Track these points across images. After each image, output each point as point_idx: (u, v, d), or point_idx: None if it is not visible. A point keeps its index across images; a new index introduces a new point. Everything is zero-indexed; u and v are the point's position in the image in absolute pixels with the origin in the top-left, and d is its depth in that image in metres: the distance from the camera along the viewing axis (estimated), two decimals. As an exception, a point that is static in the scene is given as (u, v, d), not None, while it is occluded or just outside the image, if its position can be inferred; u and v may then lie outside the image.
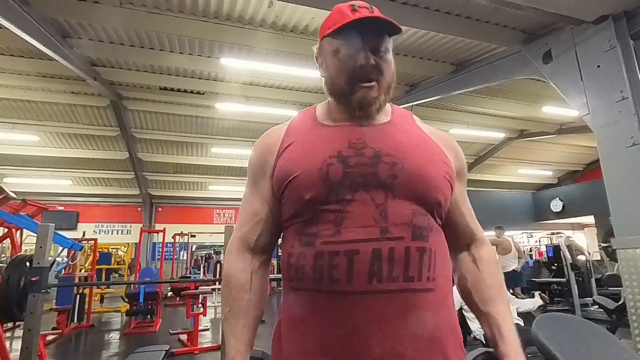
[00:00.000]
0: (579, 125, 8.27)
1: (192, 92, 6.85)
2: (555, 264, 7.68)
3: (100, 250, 8.92)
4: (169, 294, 8.63)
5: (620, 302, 4.41)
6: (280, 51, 5.01)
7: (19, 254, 4.34)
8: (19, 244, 5.51)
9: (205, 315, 6.68)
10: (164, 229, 9.07)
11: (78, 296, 6.58)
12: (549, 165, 12.39)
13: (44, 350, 3.98)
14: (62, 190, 11.28)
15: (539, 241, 12.60)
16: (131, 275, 9.69)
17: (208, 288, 6.34)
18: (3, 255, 9.41)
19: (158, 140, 8.99)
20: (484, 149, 10.66)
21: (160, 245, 9.90)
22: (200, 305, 6.12)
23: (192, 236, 10.90)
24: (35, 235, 2.87)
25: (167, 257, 10.01)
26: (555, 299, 7.22)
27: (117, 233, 12.35)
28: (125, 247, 11.57)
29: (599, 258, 8.65)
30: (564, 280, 6.77)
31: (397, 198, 0.76)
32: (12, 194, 4.89)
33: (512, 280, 6.52)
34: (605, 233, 6.76)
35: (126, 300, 6.78)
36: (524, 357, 0.79)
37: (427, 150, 0.83)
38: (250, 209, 0.89)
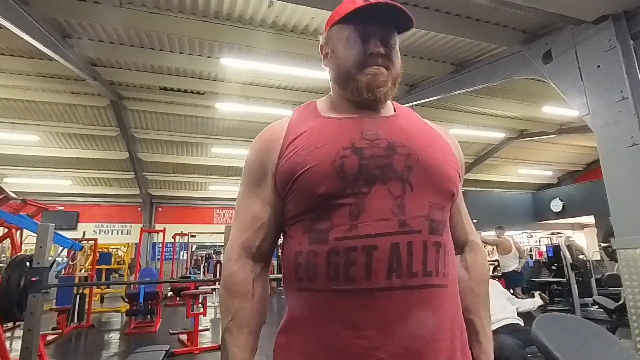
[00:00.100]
0: (579, 125, 8.27)
1: (192, 92, 6.85)
2: (555, 264, 7.68)
3: (100, 250, 8.92)
4: (169, 294, 8.63)
5: (620, 302, 4.41)
6: (280, 51, 5.00)
7: (19, 254, 4.34)
8: (19, 244, 5.51)
9: (205, 315, 6.68)
10: (164, 229, 9.08)
11: (78, 296, 6.58)
12: (549, 165, 12.39)
13: (44, 350, 3.98)
14: (62, 190, 11.28)
15: (539, 241, 12.60)
16: (131, 275, 9.69)
17: (208, 288, 6.34)
18: (3, 255, 9.42)
19: (158, 140, 8.99)
20: (484, 149, 10.65)
21: (160, 245, 9.90)
22: (200, 305, 6.12)
23: (192, 236, 10.90)
24: (35, 235, 2.87)
25: (167, 257, 10.01)
26: (555, 299, 7.22)
27: (117, 233, 12.35)
28: (125, 247, 11.57)
29: (599, 258, 8.66)
30: (564, 280, 6.76)
31: (415, 190, 0.74)
32: (12, 194, 4.89)
33: (513, 280, 6.51)
34: (605, 233, 6.76)
35: (126, 300, 6.78)
36: None
37: (436, 142, 0.82)
38: (249, 213, 0.83)
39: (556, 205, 10.65)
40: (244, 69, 5.74)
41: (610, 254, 6.74)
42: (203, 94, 6.92)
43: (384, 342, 0.68)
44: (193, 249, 12.00)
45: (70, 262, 7.37)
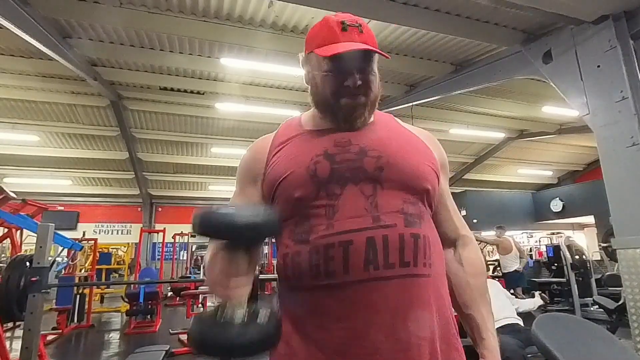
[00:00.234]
0: (579, 125, 8.27)
1: (192, 92, 6.85)
2: (555, 264, 7.69)
3: (100, 250, 8.93)
4: (169, 294, 8.63)
5: (620, 302, 4.41)
6: (280, 51, 5.00)
7: (19, 254, 4.34)
8: (19, 244, 5.51)
9: (205, 315, 6.67)
10: (164, 229, 9.08)
11: (78, 296, 6.58)
12: (549, 165, 12.39)
13: (44, 350, 3.98)
14: (62, 190, 11.28)
15: (539, 241, 12.62)
16: (131, 275, 9.70)
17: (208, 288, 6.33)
18: (3, 255, 9.42)
19: (158, 140, 8.99)
20: (484, 149, 10.65)
21: (160, 245, 9.90)
22: (200, 305, 6.12)
23: (192, 236, 10.89)
24: (35, 235, 2.87)
25: (167, 257, 10.00)
26: (555, 299, 7.22)
27: (117, 233, 12.35)
28: (125, 247, 11.58)
29: (599, 258, 8.66)
30: (564, 280, 6.76)
31: (386, 189, 0.78)
32: (12, 194, 4.89)
33: (514, 280, 6.51)
34: (605, 233, 6.75)
35: (126, 300, 6.78)
36: (499, 358, 0.83)
37: (410, 143, 0.87)
38: None
39: (556, 205, 10.67)
40: (244, 69, 5.74)
41: (610, 254, 6.73)
42: (203, 94, 6.92)
43: (367, 332, 0.71)
44: (193, 249, 11.99)
45: (70, 262, 7.37)
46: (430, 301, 0.75)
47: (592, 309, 6.12)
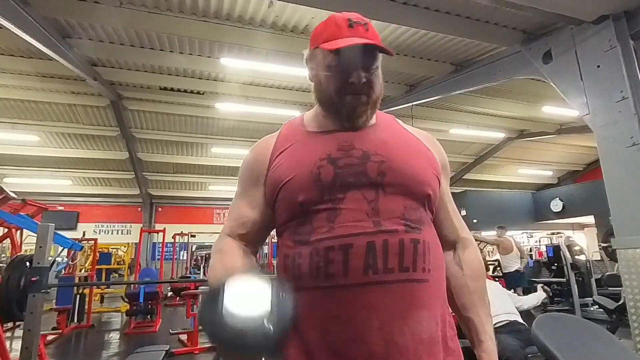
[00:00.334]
0: (579, 125, 8.27)
1: (192, 92, 6.85)
2: (555, 264, 7.68)
3: (100, 250, 8.92)
4: (169, 294, 8.62)
5: (620, 302, 4.40)
6: (280, 51, 5.01)
7: (19, 254, 4.33)
8: (19, 244, 5.51)
9: (205, 315, 6.67)
10: (164, 229, 9.07)
11: (78, 296, 6.58)
12: (549, 165, 12.39)
13: (44, 350, 3.98)
14: (62, 190, 11.28)
15: (539, 241, 12.61)
16: (131, 275, 9.70)
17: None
18: (3, 255, 9.41)
19: (158, 140, 8.99)
20: (484, 149, 10.65)
21: (160, 245, 9.89)
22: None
23: (192, 236, 10.90)
24: (35, 235, 2.87)
25: (167, 257, 10.00)
26: (555, 299, 7.22)
27: (117, 233, 12.35)
28: (125, 247, 11.57)
29: (599, 258, 8.65)
30: (564, 280, 6.77)
31: (387, 194, 0.78)
32: (12, 194, 4.88)
33: (514, 280, 6.52)
34: (605, 233, 6.75)
35: (126, 300, 6.78)
36: None
37: (412, 147, 0.87)
38: (237, 213, 0.92)
39: (556, 205, 10.66)
40: (244, 69, 5.74)
41: (610, 254, 6.73)
42: (203, 94, 6.92)
43: (364, 335, 0.72)
44: (193, 249, 11.98)
45: (70, 262, 7.37)
46: (429, 306, 0.76)
47: (592, 309, 6.12)
